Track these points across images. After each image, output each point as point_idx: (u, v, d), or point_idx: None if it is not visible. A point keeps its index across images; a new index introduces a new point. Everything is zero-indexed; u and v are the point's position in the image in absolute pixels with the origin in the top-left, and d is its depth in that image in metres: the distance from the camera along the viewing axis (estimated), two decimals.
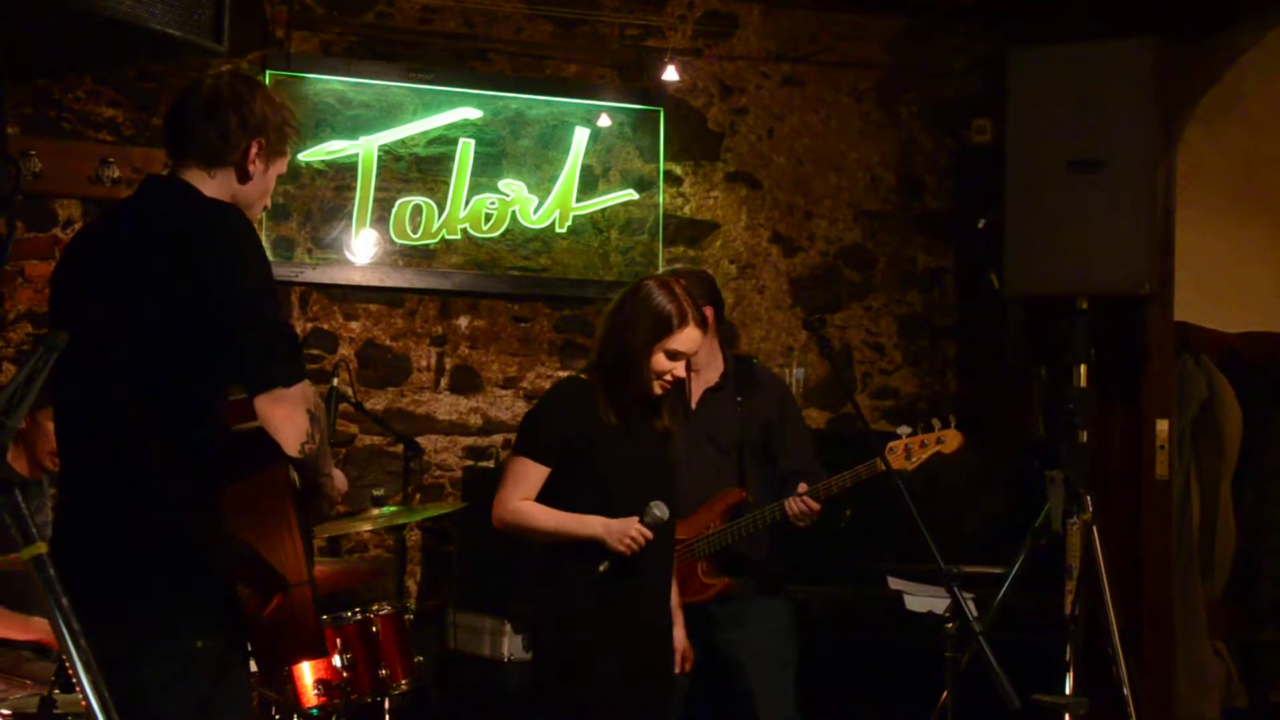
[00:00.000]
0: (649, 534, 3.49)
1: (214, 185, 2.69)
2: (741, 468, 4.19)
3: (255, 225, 2.82)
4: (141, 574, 2.52)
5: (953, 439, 4.01)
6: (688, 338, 3.57)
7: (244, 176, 2.72)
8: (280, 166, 2.81)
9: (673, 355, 3.56)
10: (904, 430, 4.03)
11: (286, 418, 2.50)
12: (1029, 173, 4.61)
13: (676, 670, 3.77)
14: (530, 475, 3.58)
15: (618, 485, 3.54)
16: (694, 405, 4.23)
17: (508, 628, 4.76)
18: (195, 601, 2.52)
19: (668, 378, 3.57)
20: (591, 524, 3.50)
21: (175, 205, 2.64)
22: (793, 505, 3.97)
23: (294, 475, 2.66)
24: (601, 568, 3.48)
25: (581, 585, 3.54)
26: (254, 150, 2.71)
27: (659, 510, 3.50)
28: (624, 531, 3.48)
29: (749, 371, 4.36)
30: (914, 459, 4.00)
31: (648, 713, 3.60)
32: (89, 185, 5.12)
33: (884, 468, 3.91)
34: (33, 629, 3.79)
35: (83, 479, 2.66)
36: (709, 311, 4.21)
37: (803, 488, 3.96)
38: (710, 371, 4.26)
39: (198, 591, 2.52)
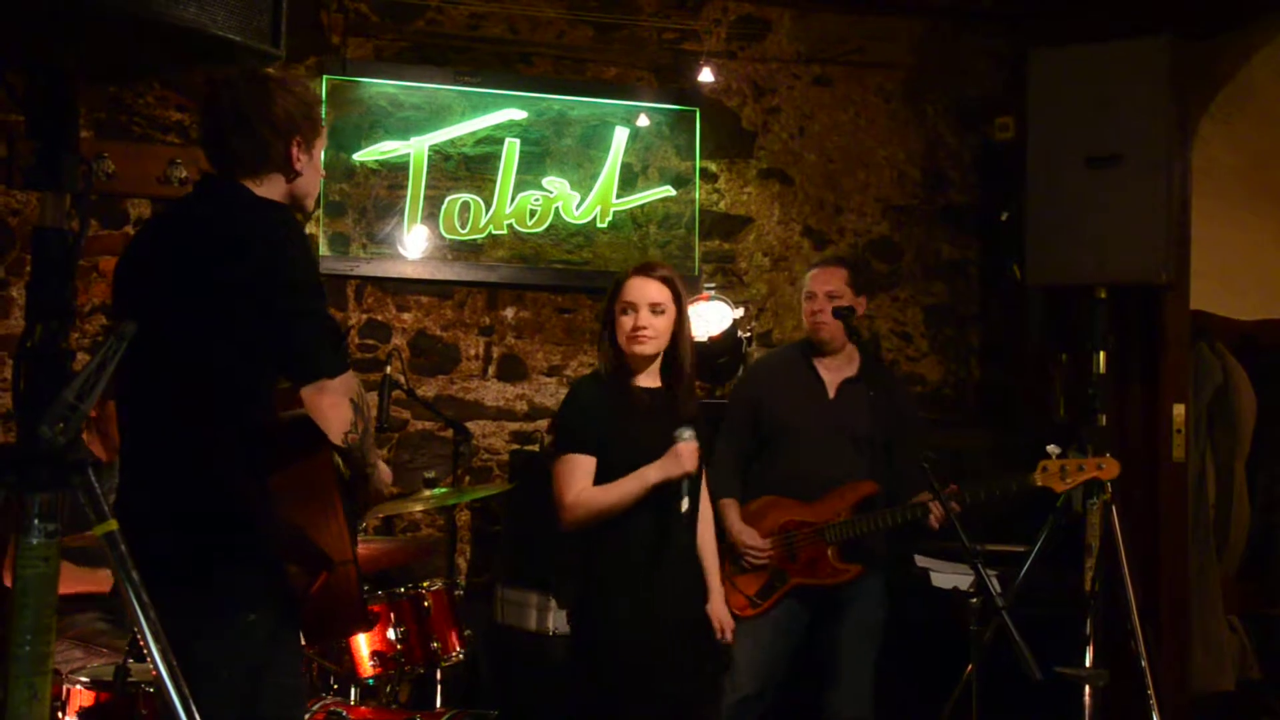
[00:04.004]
0: (694, 443, 3.47)
1: (265, 189, 2.70)
2: (873, 460, 4.21)
3: (312, 219, 2.85)
4: (200, 552, 2.54)
5: (1113, 466, 4.10)
6: (630, 286, 3.58)
7: (291, 175, 2.73)
8: (322, 143, 2.82)
9: (625, 309, 3.58)
10: (1054, 450, 4.04)
11: (332, 407, 2.52)
12: (1049, 167, 4.57)
13: (719, 638, 3.77)
14: (582, 467, 3.56)
15: (639, 465, 3.53)
16: (831, 395, 4.26)
17: (552, 603, 4.76)
18: (249, 578, 2.54)
19: (630, 330, 3.56)
20: (645, 474, 3.48)
21: (226, 205, 2.66)
22: (937, 510, 3.98)
23: (340, 463, 2.67)
24: (683, 506, 3.45)
25: (612, 563, 3.55)
26: (294, 150, 2.71)
27: (686, 431, 3.48)
28: (675, 458, 3.46)
29: (881, 369, 4.42)
30: (1069, 480, 4.04)
31: (685, 685, 3.59)
32: (158, 185, 5.16)
33: (1038, 485, 3.98)
34: (98, 580, 3.83)
35: (142, 462, 2.67)
36: (863, 301, 4.32)
37: (953, 487, 3.99)
38: (849, 365, 4.28)
39: (251, 568, 2.55)
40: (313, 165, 2.78)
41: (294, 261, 2.55)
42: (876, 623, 4.30)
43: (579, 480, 3.56)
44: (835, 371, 4.32)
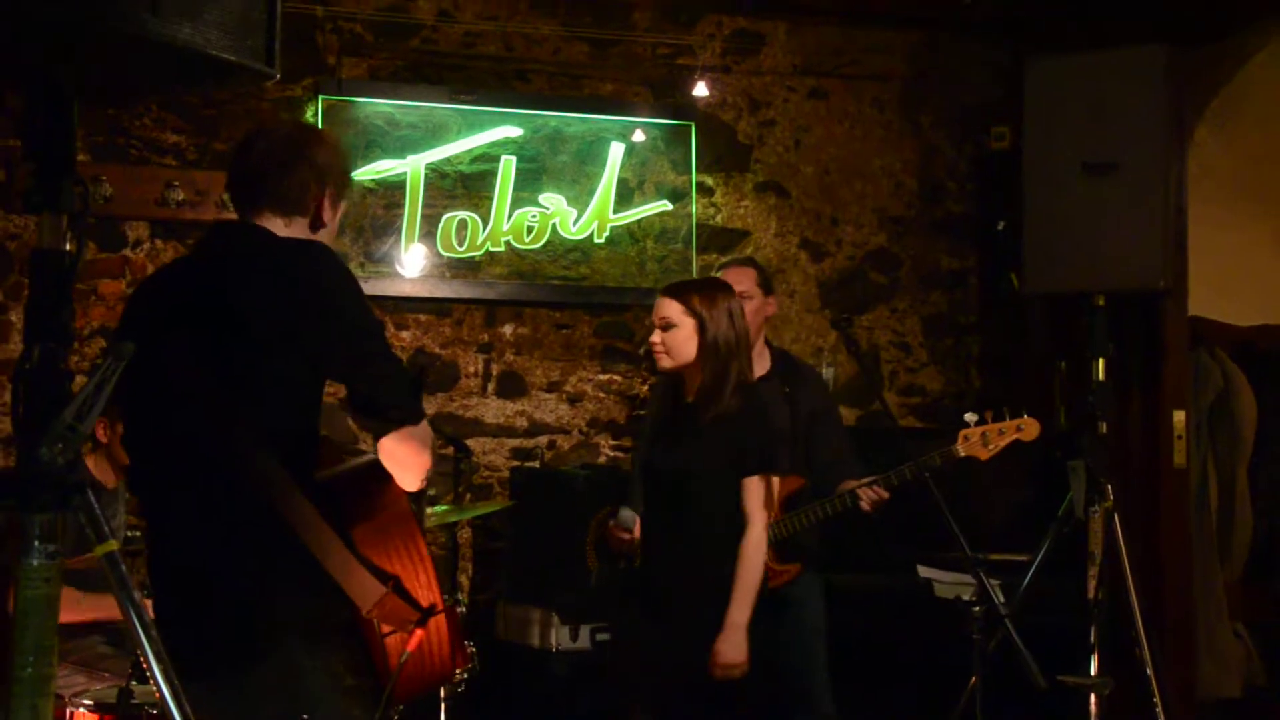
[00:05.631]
0: (618, 531, 3.78)
1: (289, 233, 2.60)
2: (793, 456, 4.19)
3: None
4: (289, 632, 2.40)
5: (1032, 427, 3.99)
6: (654, 305, 3.75)
7: (318, 225, 2.65)
8: (344, 207, 2.74)
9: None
10: (972, 418, 3.99)
11: (414, 454, 2.44)
12: (1046, 176, 4.57)
13: (718, 674, 3.50)
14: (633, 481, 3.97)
15: (645, 477, 3.81)
16: None
17: (555, 619, 4.75)
18: (337, 655, 2.43)
19: (649, 346, 3.76)
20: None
21: (272, 249, 2.53)
22: (866, 494, 3.99)
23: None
24: (620, 565, 3.78)
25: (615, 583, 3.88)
26: (327, 201, 2.65)
27: (624, 516, 3.77)
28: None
29: (792, 364, 4.41)
30: (991, 446, 3.97)
31: (655, 698, 3.62)
32: (155, 208, 5.17)
33: (961, 455, 3.91)
34: (103, 607, 3.82)
35: (194, 518, 2.48)
36: (772, 301, 4.38)
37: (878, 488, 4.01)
38: (759, 363, 4.28)
39: (339, 644, 2.43)
40: (334, 223, 2.69)
41: (363, 304, 2.45)
42: (821, 623, 4.26)
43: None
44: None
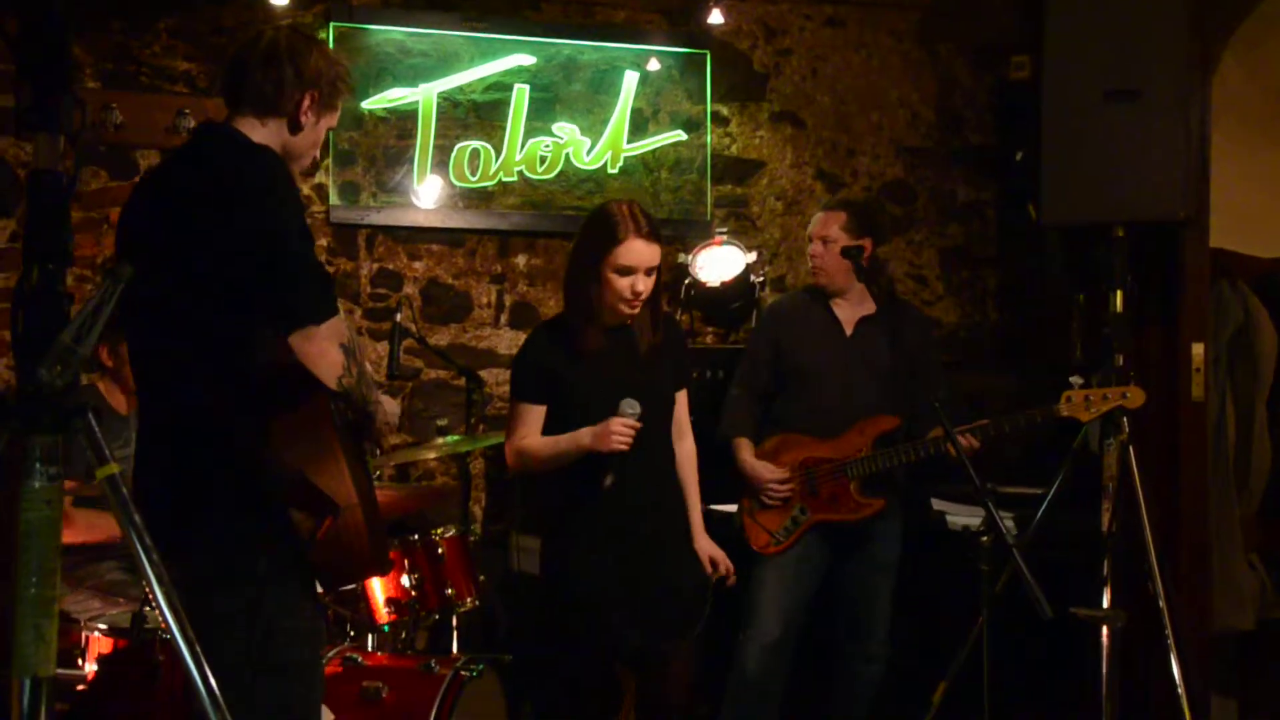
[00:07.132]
0: (631, 423, 3.40)
1: (264, 133, 2.69)
2: (894, 396, 4.21)
3: (307, 173, 2.82)
4: (206, 504, 2.52)
5: (1137, 396, 4.09)
6: (630, 250, 3.46)
7: (295, 127, 2.72)
8: (331, 120, 2.81)
9: (623, 271, 3.47)
10: (1077, 381, 4.06)
11: (320, 354, 2.48)
12: (1065, 104, 4.50)
13: (720, 575, 3.75)
14: (525, 415, 3.58)
15: (593, 409, 3.48)
16: (849, 333, 4.28)
17: None
18: (256, 526, 2.52)
19: (628, 296, 3.49)
20: (580, 436, 3.47)
21: (218, 151, 2.63)
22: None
23: (342, 407, 2.66)
24: (608, 481, 3.41)
25: (573, 503, 3.57)
26: (306, 102, 2.71)
27: (629, 407, 3.41)
28: (606, 430, 3.40)
29: (899, 305, 4.46)
30: (1093, 410, 4.06)
31: (649, 621, 3.57)
32: (166, 135, 5.14)
33: (1063, 415, 4.02)
34: (101, 528, 3.84)
35: (150, 417, 2.68)
36: (866, 244, 4.23)
37: (982, 422, 4.03)
38: (864, 304, 4.30)
39: (257, 517, 2.52)
40: (315, 129, 2.76)
41: (276, 204, 2.50)
42: (895, 562, 4.36)
43: (519, 428, 3.59)
44: (851, 310, 4.34)
